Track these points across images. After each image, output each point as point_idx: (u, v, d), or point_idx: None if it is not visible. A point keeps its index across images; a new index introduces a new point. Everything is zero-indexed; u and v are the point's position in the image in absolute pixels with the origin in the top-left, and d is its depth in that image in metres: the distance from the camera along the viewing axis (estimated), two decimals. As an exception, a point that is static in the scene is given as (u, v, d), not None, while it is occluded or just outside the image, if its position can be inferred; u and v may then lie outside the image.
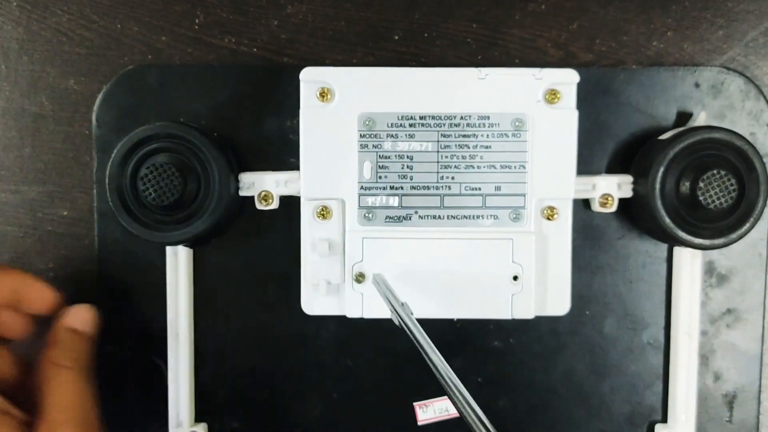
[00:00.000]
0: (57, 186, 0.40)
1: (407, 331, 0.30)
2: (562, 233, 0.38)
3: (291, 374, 0.40)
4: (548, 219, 0.37)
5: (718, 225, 0.37)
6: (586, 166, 0.39)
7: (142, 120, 0.38)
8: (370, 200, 0.37)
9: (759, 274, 0.39)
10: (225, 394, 0.40)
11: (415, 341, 0.30)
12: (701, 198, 0.36)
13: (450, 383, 0.27)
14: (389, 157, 0.37)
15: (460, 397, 0.26)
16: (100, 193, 0.39)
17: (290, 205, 0.38)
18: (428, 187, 0.37)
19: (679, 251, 0.39)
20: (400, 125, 0.37)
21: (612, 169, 0.39)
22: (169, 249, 0.39)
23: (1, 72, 0.40)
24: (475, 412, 0.25)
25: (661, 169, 0.36)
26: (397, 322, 0.32)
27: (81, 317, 0.36)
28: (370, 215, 0.37)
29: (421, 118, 0.37)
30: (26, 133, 0.40)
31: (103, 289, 0.39)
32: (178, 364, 0.39)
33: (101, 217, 0.39)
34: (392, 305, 0.32)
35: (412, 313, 0.31)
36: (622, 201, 0.38)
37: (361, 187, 0.37)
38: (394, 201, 0.37)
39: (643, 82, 0.39)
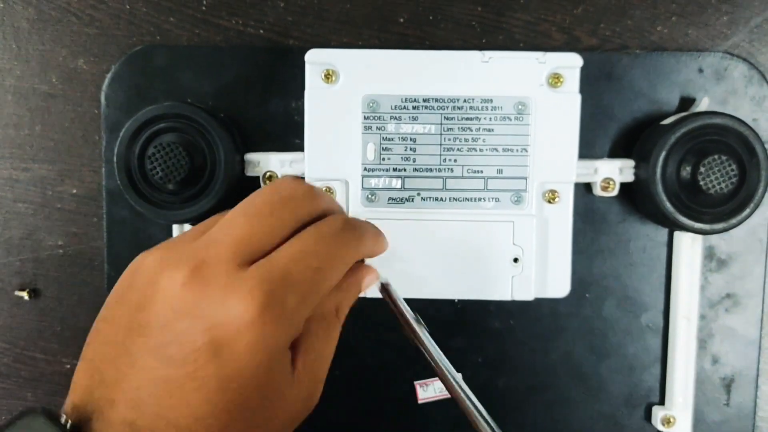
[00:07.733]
0: (66, 164, 0.41)
1: (421, 347, 0.29)
2: (563, 216, 0.38)
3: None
4: (549, 202, 0.38)
5: (719, 210, 0.37)
6: (588, 150, 0.39)
7: (150, 100, 0.39)
8: (373, 182, 0.38)
9: (759, 259, 0.40)
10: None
11: (429, 358, 0.29)
12: (702, 183, 0.36)
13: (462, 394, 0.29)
14: (392, 139, 0.37)
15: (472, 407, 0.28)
16: (108, 171, 0.40)
17: (295, 185, 0.39)
18: (431, 170, 0.38)
19: (679, 236, 0.39)
20: (404, 107, 0.37)
21: (614, 153, 0.39)
22: (176, 227, 0.39)
23: (12, 51, 0.40)
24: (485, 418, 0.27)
25: (663, 154, 0.36)
26: (409, 336, 0.30)
27: None
28: (373, 197, 0.38)
29: (424, 100, 0.37)
30: (36, 112, 0.41)
31: (111, 267, 0.40)
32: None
33: (109, 196, 0.40)
34: (407, 319, 0.30)
35: (426, 330, 0.30)
36: (623, 185, 0.39)
37: (365, 169, 0.38)
38: (396, 183, 0.38)
39: (647, 67, 0.39)
